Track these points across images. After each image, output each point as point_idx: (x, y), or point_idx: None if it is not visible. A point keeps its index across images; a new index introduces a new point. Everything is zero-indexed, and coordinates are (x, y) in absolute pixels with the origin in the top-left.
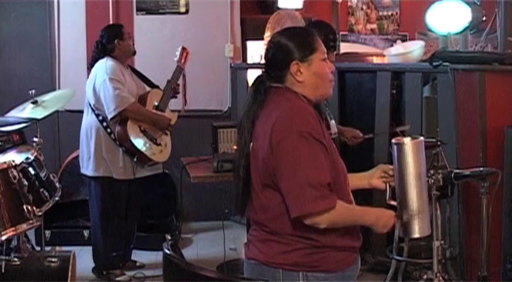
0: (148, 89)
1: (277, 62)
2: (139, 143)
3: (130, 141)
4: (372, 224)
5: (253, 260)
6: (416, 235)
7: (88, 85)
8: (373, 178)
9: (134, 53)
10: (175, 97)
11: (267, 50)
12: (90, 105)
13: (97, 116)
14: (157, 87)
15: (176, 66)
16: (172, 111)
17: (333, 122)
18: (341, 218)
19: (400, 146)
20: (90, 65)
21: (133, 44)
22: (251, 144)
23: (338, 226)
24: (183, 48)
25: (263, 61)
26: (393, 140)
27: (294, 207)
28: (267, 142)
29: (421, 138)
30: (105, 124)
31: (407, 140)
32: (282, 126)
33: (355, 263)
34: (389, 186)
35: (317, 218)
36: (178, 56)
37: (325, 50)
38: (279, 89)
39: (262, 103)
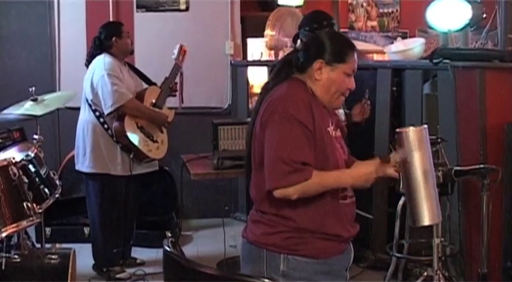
0: (145, 86)
1: (308, 53)
2: (136, 139)
3: (127, 137)
4: (350, 185)
5: (245, 239)
6: (426, 223)
7: (86, 80)
8: (386, 167)
9: (132, 52)
10: (173, 95)
11: (307, 39)
12: (87, 101)
13: (94, 111)
14: (154, 84)
15: (174, 64)
16: (170, 108)
17: (340, 111)
18: (314, 186)
19: (402, 134)
20: (88, 61)
21: (131, 43)
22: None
23: (311, 194)
24: (181, 46)
25: (265, 58)
26: (397, 130)
27: (267, 181)
28: (258, 123)
29: (425, 125)
30: (102, 120)
31: (410, 128)
32: (271, 108)
33: (342, 254)
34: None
35: (287, 190)
36: (176, 54)
37: (355, 69)
38: (294, 78)
39: (274, 86)
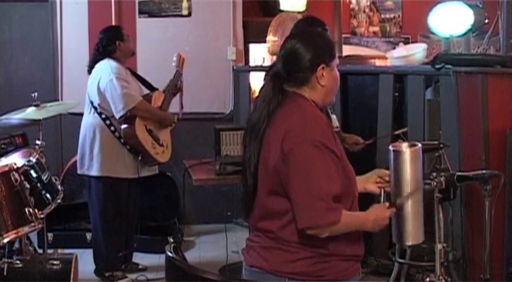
0: (146, 91)
1: (303, 64)
2: (145, 141)
3: (138, 139)
4: (369, 229)
5: (255, 268)
6: (409, 243)
7: (91, 85)
8: (368, 183)
9: (133, 53)
10: (174, 95)
11: (289, 52)
12: (92, 104)
13: (100, 114)
14: (156, 89)
15: (176, 71)
16: (172, 113)
17: (334, 117)
18: (343, 227)
19: (398, 153)
20: (90, 67)
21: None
22: (261, 148)
23: (338, 234)
24: (179, 55)
25: (267, 64)
26: (391, 147)
27: (301, 219)
28: (278, 149)
29: (419, 145)
30: (108, 122)
31: (405, 148)
32: (295, 134)
33: (358, 273)
34: (384, 191)
35: (321, 230)
36: (176, 62)
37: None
38: (293, 93)
39: (277, 106)
